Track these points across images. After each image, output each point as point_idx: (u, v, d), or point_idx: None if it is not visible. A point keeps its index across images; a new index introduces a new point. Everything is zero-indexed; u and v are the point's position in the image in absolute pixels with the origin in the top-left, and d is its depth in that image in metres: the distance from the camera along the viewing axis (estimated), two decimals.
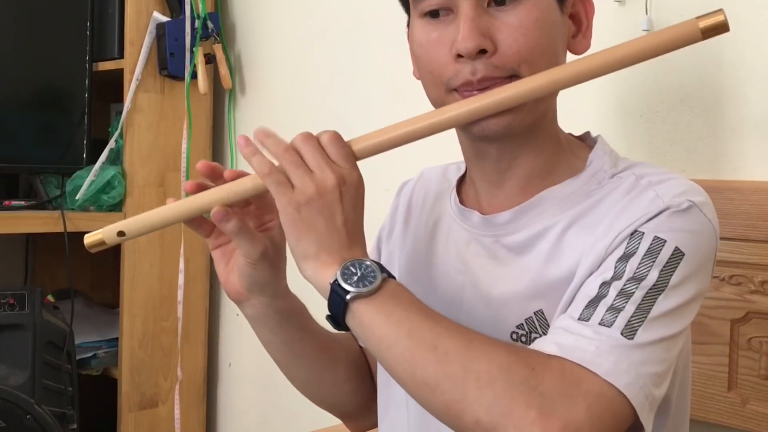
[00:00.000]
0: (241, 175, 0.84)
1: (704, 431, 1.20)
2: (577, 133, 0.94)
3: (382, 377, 0.98)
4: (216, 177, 0.85)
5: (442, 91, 0.83)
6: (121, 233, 0.82)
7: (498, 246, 0.86)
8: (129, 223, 0.83)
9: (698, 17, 0.73)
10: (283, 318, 0.91)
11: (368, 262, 0.74)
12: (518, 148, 0.85)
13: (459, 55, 0.79)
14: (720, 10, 0.73)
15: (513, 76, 0.79)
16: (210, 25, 1.97)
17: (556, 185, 0.85)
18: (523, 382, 0.67)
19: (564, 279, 0.80)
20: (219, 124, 2.12)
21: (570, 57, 0.86)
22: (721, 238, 1.11)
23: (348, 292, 0.73)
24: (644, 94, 1.27)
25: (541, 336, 0.80)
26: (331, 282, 0.74)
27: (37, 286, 1.74)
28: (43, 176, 2.01)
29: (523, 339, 0.83)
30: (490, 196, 0.89)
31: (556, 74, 0.78)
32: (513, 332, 0.84)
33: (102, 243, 0.83)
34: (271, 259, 0.85)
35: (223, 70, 2.00)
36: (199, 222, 0.87)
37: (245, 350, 2.08)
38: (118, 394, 1.95)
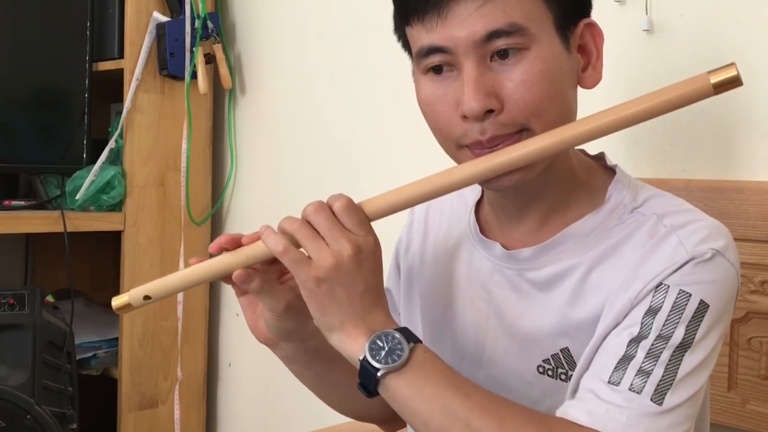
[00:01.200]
0: (256, 239, 0.83)
1: None
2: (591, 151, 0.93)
3: None
4: (236, 245, 0.84)
5: (452, 147, 0.82)
6: (147, 297, 0.85)
7: (521, 280, 0.87)
8: (155, 287, 0.85)
9: (710, 72, 0.72)
10: (313, 355, 0.92)
11: (395, 334, 0.75)
12: (536, 188, 0.85)
13: (465, 116, 0.78)
14: (732, 64, 0.71)
15: (523, 130, 0.78)
16: (210, 25, 1.97)
17: (576, 221, 0.85)
18: None
19: (588, 320, 0.81)
20: (219, 124, 2.12)
21: (580, 91, 0.85)
22: None
23: (378, 369, 0.74)
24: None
25: (566, 371, 0.82)
26: (360, 359, 0.75)
27: (37, 286, 1.74)
28: (43, 176, 2.01)
29: (549, 373, 0.84)
30: (511, 228, 0.89)
31: (565, 133, 0.76)
32: (539, 366, 0.85)
33: (129, 306, 0.86)
34: (296, 309, 0.85)
35: (223, 70, 2.00)
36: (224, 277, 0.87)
37: (245, 350, 2.08)
38: (118, 394, 1.95)
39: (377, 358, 0.74)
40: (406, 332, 0.76)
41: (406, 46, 0.86)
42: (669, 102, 0.74)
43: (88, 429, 1.94)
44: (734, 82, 0.71)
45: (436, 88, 0.81)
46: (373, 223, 0.80)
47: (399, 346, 0.74)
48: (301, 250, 0.78)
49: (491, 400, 0.74)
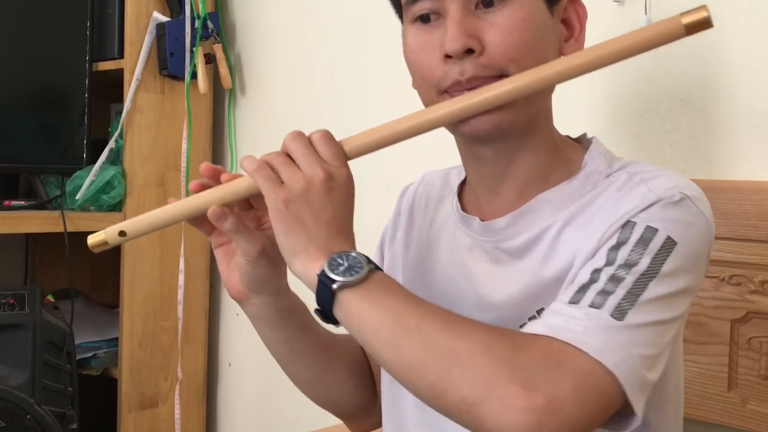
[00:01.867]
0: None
1: (704, 431, 1.20)
2: (576, 134, 0.94)
3: (387, 374, 0.98)
4: (218, 179, 0.86)
5: (433, 94, 0.84)
6: (122, 233, 0.84)
7: (499, 251, 0.87)
8: (130, 224, 0.85)
9: (682, 13, 0.74)
10: (284, 316, 0.92)
11: (354, 254, 0.75)
12: (514, 152, 0.86)
13: (447, 56, 0.81)
14: (703, 7, 0.73)
15: (502, 76, 0.80)
16: (210, 25, 1.97)
17: (552, 188, 0.86)
18: (507, 357, 0.68)
19: (560, 276, 0.81)
20: (219, 124, 2.12)
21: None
22: (721, 238, 1.12)
23: (335, 281, 0.73)
24: (644, 94, 1.27)
25: None
26: (318, 273, 0.74)
27: (37, 286, 1.74)
28: (43, 176, 2.01)
29: None
30: (489, 201, 0.90)
31: (542, 71, 0.78)
32: None
33: (105, 243, 0.85)
34: (270, 257, 0.86)
35: (223, 70, 2.00)
36: (200, 220, 0.88)
37: (245, 350, 2.08)
38: (118, 394, 1.95)
39: (335, 272, 0.73)
40: (368, 258, 0.76)
41: (396, 3, 0.89)
42: (644, 41, 0.76)
43: (88, 429, 1.94)
44: (705, 24, 0.73)
45: (423, 35, 0.84)
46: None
47: (359, 265, 0.74)
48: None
49: (444, 312, 0.74)
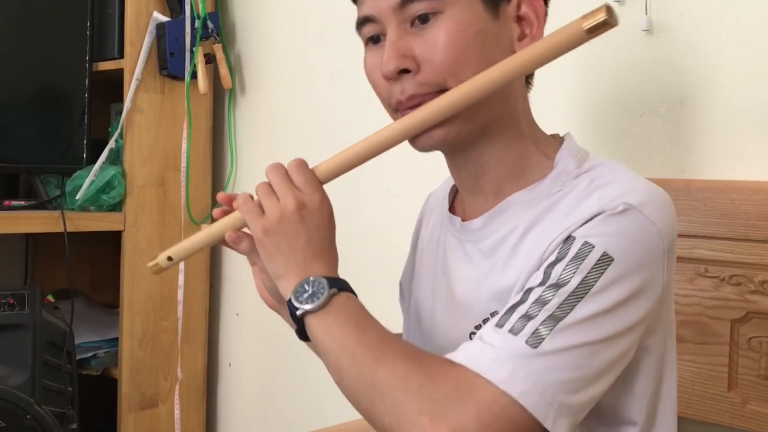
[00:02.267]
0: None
1: (704, 431, 1.20)
2: (577, 135, 0.93)
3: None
4: (229, 202, 0.92)
5: (390, 111, 0.89)
6: (170, 258, 0.94)
7: (474, 250, 0.90)
8: (174, 250, 0.94)
9: (582, 17, 0.75)
10: None
11: (321, 280, 0.80)
12: (481, 155, 0.88)
13: (386, 78, 0.84)
14: (601, 7, 0.74)
15: (442, 90, 0.82)
16: (210, 25, 1.97)
17: (524, 189, 0.87)
18: (418, 389, 0.71)
19: (515, 281, 0.82)
20: (219, 124, 2.12)
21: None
22: (721, 238, 1.12)
23: (297, 309, 0.79)
24: (644, 94, 1.27)
25: None
26: (287, 300, 0.81)
27: (37, 286, 1.74)
28: (43, 176, 2.01)
29: None
30: (471, 202, 0.93)
31: (475, 83, 0.80)
32: (472, 332, 0.86)
33: (160, 267, 0.95)
34: None
35: (223, 70, 2.00)
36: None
37: (245, 350, 2.08)
38: (118, 394, 1.95)
39: (300, 299, 0.79)
40: (336, 281, 0.81)
41: None
42: (550, 50, 0.78)
43: (88, 429, 1.94)
44: (605, 26, 0.74)
45: (373, 56, 0.88)
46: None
47: (321, 290, 0.79)
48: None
49: (383, 337, 0.77)
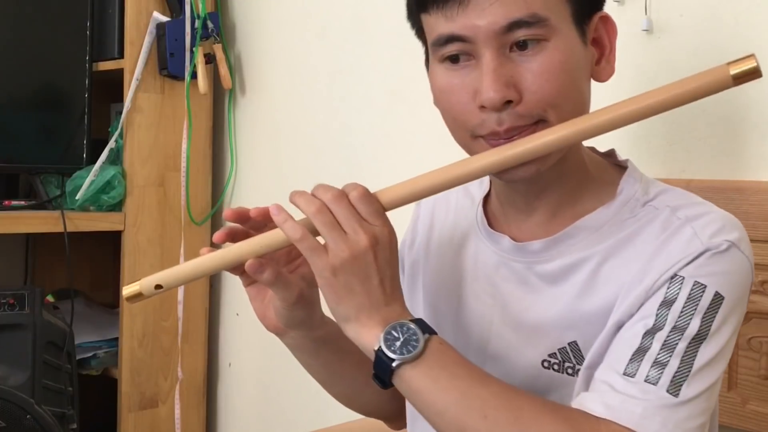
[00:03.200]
0: (265, 213, 0.84)
1: None
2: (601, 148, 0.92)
3: None
4: (244, 220, 0.85)
5: (467, 137, 0.82)
6: (158, 286, 0.83)
7: (530, 273, 0.86)
8: (165, 276, 0.84)
9: (729, 63, 0.71)
10: (320, 345, 0.92)
11: (411, 325, 0.75)
12: (546, 181, 0.84)
13: (483, 106, 0.78)
14: (751, 56, 0.71)
15: (539, 121, 0.78)
16: (210, 25, 1.97)
17: (588, 214, 0.84)
18: None
19: (599, 312, 0.80)
20: (219, 124, 2.12)
21: (594, 84, 0.84)
22: None
23: (393, 360, 0.74)
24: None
25: (573, 365, 0.82)
26: (375, 349, 0.75)
27: (37, 286, 1.74)
28: (43, 176, 2.01)
29: (555, 367, 0.84)
30: (519, 221, 0.89)
31: (582, 124, 0.76)
32: (545, 360, 0.84)
33: (140, 295, 0.84)
34: (307, 298, 0.86)
35: (223, 70, 2.00)
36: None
37: (245, 350, 2.08)
38: (118, 394, 1.95)
39: (392, 348, 0.74)
40: (421, 323, 0.76)
41: (420, 33, 0.85)
42: (686, 93, 0.73)
43: (88, 429, 1.94)
44: (753, 74, 0.70)
45: (453, 77, 0.80)
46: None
47: (414, 337, 0.74)
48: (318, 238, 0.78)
49: (507, 390, 0.74)
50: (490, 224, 0.92)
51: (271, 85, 2.00)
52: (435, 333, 0.76)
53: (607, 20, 0.84)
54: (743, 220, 1.11)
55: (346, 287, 0.76)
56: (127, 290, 0.85)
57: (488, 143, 0.79)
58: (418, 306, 0.99)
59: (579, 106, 0.80)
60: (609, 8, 1.28)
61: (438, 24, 0.79)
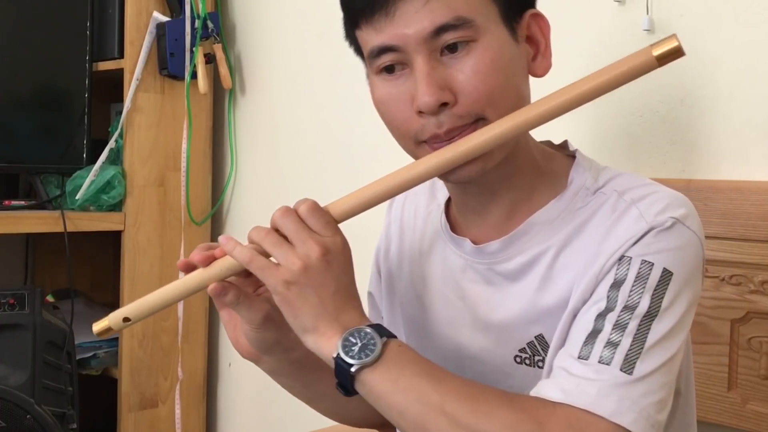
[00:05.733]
0: (210, 256, 0.83)
1: (704, 431, 1.20)
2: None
3: None
4: (209, 260, 0.83)
5: (411, 144, 0.83)
6: (126, 319, 0.85)
7: (492, 273, 0.88)
8: (132, 309, 0.85)
9: (652, 45, 0.73)
10: (298, 366, 0.92)
11: (367, 329, 0.76)
12: (496, 181, 0.86)
13: (421, 111, 0.79)
14: (672, 36, 0.73)
15: (479, 119, 0.80)
16: (210, 25, 1.97)
17: (541, 209, 0.86)
18: None
19: (559, 303, 0.81)
20: (219, 124, 2.12)
21: (532, 81, 0.85)
22: (721, 238, 1.12)
23: (351, 365, 0.74)
24: (644, 94, 1.27)
25: (543, 358, 0.83)
26: (334, 356, 0.75)
27: (37, 286, 1.74)
28: (43, 176, 2.01)
29: (527, 362, 0.85)
30: (478, 223, 0.90)
31: (518, 117, 0.78)
32: (516, 356, 0.85)
33: (109, 329, 0.85)
34: (275, 320, 0.85)
35: (223, 70, 2.00)
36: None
37: None
38: (118, 394, 1.95)
39: (350, 354, 0.75)
40: (379, 328, 0.77)
41: (358, 50, 0.88)
42: (616, 78, 0.75)
43: (88, 429, 1.94)
44: (676, 53, 0.72)
45: (390, 87, 0.82)
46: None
47: (372, 342, 0.75)
48: (271, 258, 0.78)
49: (465, 385, 0.75)
50: (452, 228, 0.93)
51: (271, 85, 2.00)
52: (394, 337, 0.77)
53: (538, 17, 0.86)
54: (743, 220, 1.11)
55: (301, 299, 0.76)
56: (96, 326, 0.86)
57: (431, 147, 0.81)
58: (397, 315, 0.99)
59: (518, 102, 0.81)
60: (609, 8, 1.29)
61: (370, 37, 0.82)
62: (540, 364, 0.84)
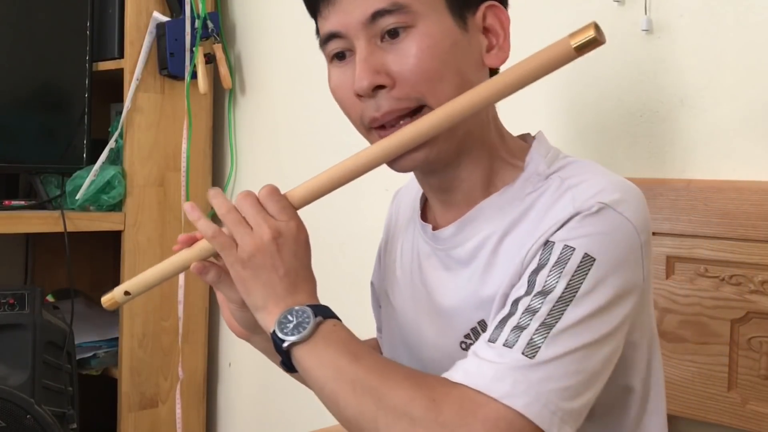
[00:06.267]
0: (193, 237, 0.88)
1: (704, 431, 1.20)
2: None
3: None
4: (191, 241, 0.88)
5: (363, 130, 0.87)
6: (126, 293, 0.90)
7: (449, 259, 0.89)
8: (132, 283, 0.90)
9: (570, 35, 0.74)
10: None
11: (306, 309, 0.78)
12: (455, 169, 0.87)
13: (359, 95, 0.82)
14: (590, 24, 0.73)
15: (421, 106, 0.81)
16: (210, 25, 1.97)
17: (494, 194, 0.86)
18: (424, 416, 0.70)
19: (498, 291, 0.82)
20: (219, 124, 2.12)
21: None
22: (721, 238, 1.12)
23: (284, 341, 0.78)
24: (644, 94, 1.27)
25: None
26: (271, 332, 0.79)
27: (37, 286, 1.74)
28: (43, 176, 2.01)
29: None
30: (443, 210, 0.91)
31: (456, 104, 0.79)
32: (462, 342, 0.86)
33: (116, 302, 0.91)
34: None
35: (223, 70, 2.00)
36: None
37: (245, 350, 2.07)
38: (118, 394, 1.95)
39: (285, 331, 0.78)
40: (318, 308, 0.79)
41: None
42: (536, 68, 0.77)
43: (88, 429, 1.94)
44: (594, 43, 0.73)
45: (340, 73, 0.86)
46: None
47: (307, 320, 0.78)
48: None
49: (379, 362, 0.76)
50: (424, 216, 0.95)
51: (271, 85, 2.00)
52: (334, 318, 0.80)
53: (496, 9, 0.86)
54: (743, 220, 1.11)
55: (253, 278, 0.80)
56: (105, 298, 0.92)
57: (377, 133, 0.84)
58: (388, 303, 1.01)
59: (460, 88, 0.82)
60: (608, 8, 1.29)
61: (321, 26, 0.87)
62: None
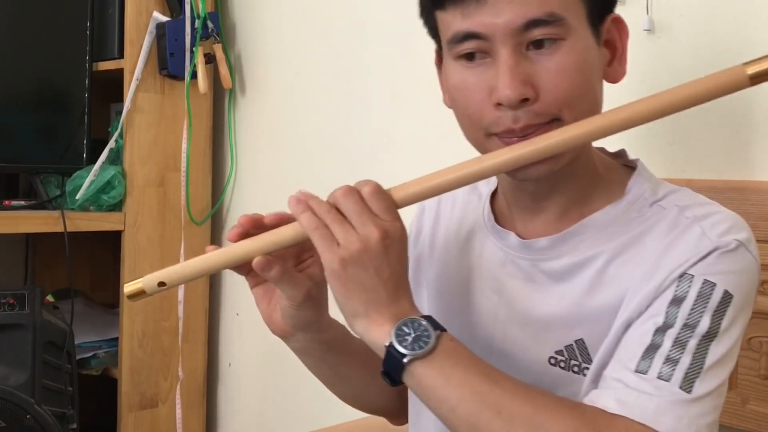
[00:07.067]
0: (283, 219, 0.82)
1: None
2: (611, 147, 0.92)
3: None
4: (258, 226, 0.83)
5: (480, 134, 0.81)
6: (161, 284, 0.82)
7: (536, 270, 0.86)
8: (169, 273, 0.82)
9: (745, 63, 0.71)
10: (326, 348, 0.92)
11: (422, 321, 0.74)
12: (556, 182, 0.85)
13: (499, 103, 0.78)
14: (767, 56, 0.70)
15: (554, 120, 0.78)
16: (210, 25, 1.97)
17: (595, 213, 0.85)
18: None
19: (606, 310, 0.80)
20: (219, 124, 2.12)
21: (606, 85, 0.84)
22: None
23: (405, 355, 0.73)
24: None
25: (579, 363, 0.82)
26: (387, 345, 0.74)
27: (37, 286, 1.74)
28: (43, 176, 2.01)
29: (562, 365, 0.84)
30: (526, 219, 0.89)
31: (596, 123, 0.76)
32: (551, 357, 0.84)
33: (142, 293, 0.83)
34: (315, 299, 0.85)
35: (223, 70, 2.00)
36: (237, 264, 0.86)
37: (245, 350, 2.08)
38: (118, 394, 1.95)
39: (404, 344, 0.73)
40: (431, 320, 0.75)
41: (434, 31, 0.85)
42: (701, 94, 0.73)
43: (88, 429, 1.94)
44: None
45: (469, 74, 0.80)
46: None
47: (426, 333, 0.74)
48: None
49: (522, 387, 0.73)
50: (497, 221, 0.92)
51: (271, 85, 2.00)
52: (445, 330, 0.76)
53: (619, 22, 0.85)
54: (744, 219, 1.11)
55: (355, 281, 0.74)
56: (129, 287, 0.83)
57: (502, 141, 0.79)
58: (422, 301, 0.98)
59: (593, 106, 0.81)
60: None
61: (454, 21, 0.79)
62: (575, 368, 0.83)
